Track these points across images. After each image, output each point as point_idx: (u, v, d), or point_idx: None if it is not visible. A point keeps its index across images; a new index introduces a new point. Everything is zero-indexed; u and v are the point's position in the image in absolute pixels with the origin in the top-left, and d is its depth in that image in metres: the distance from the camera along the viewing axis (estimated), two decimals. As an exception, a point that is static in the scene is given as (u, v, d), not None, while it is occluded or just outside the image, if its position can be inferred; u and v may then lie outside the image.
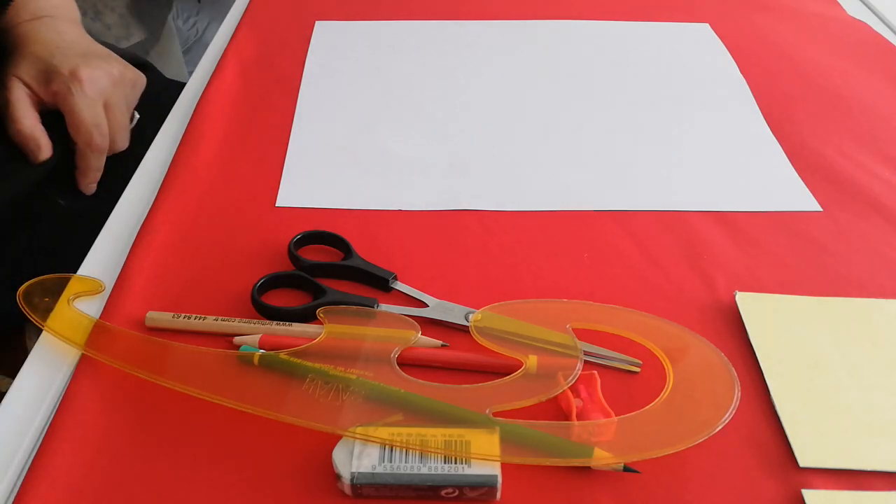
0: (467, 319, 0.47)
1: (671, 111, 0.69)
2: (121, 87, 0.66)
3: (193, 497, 0.38)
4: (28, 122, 0.62)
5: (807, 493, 0.38)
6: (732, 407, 0.40)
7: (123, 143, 0.67)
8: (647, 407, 0.41)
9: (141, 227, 0.54)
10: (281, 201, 0.57)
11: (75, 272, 0.51)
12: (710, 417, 0.40)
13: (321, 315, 0.46)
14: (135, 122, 0.69)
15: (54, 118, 0.63)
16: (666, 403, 0.41)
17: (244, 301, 0.48)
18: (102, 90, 0.63)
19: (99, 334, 0.45)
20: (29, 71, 0.63)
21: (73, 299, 0.48)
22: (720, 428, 0.39)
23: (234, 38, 0.78)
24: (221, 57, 0.75)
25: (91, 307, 0.48)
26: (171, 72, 1.15)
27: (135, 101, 0.69)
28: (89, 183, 0.66)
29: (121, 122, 0.66)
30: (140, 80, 0.68)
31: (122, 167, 0.64)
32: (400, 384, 0.41)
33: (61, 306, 0.47)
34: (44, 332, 0.46)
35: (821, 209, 0.58)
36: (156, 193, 0.57)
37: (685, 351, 0.44)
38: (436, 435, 0.38)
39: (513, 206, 0.57)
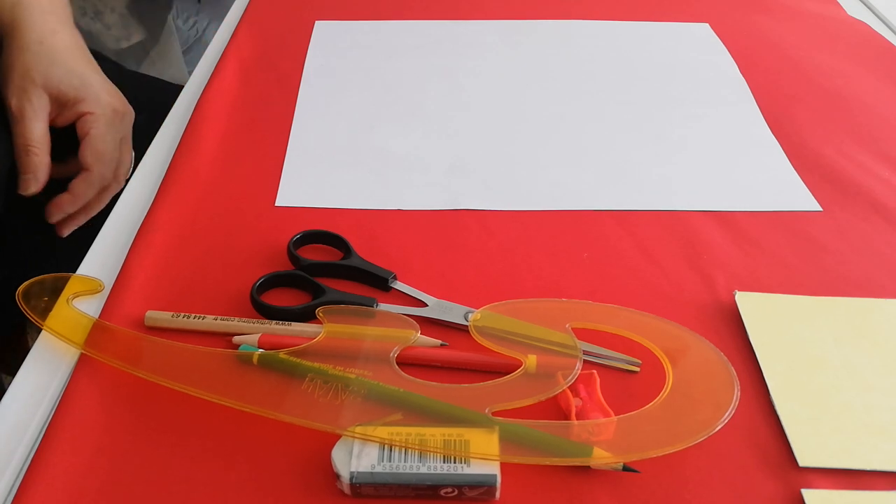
0: (466, 319, 0.47)
1: (671, 111, 0.69)
2: (130, 125, 0.65)
3: (192, 496, 0.38)
4: (40, 148, 0.59)
5: (806, 493, 0.38)
6: (732, 406, 0.40)
7: (121, 182, 0.65)
8: (647, 406, 0.41)
9: (141, 227, 0.54)
10: (280, 201, 0.57)
11: (74, 271, 0.51)
12: (709, 417, 0.40)
13: (320, 314, 0.46)
14: (132, 162, 0.67)
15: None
16: (665, 403, 0.41)
17: (243, 300, 0.48)
18: (126, 125, 0.62)
19: (98, 334, 0.45)
20: (58, 84, 0.60)
21: (73, 298, 0.48)
22: (720, 427, 0.39)
23: (234, 38, 0.78)
24: (221, 57, 0.75)
25: (90, 306, 0.48)
26: (171, 72, 1.15)
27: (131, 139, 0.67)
28: (75, 216, 0.63)
29: (129, 161, 0.65)
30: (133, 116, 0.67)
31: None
32: (399, 383, 0.41)
33: (60, 306, 0.47)
34: (43, 332, 0.46)
35: (821, 209, 0.57)
36: (156, 193, 0.57)
37: (685, 351, 0.44)
38: (435, 434, 0.38)
39: (513, 206, 0.57)
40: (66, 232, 0.64)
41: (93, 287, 0.49)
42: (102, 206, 0.64)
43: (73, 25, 0.66)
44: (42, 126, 0.59)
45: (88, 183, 0.61)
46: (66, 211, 0.61)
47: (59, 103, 0.60)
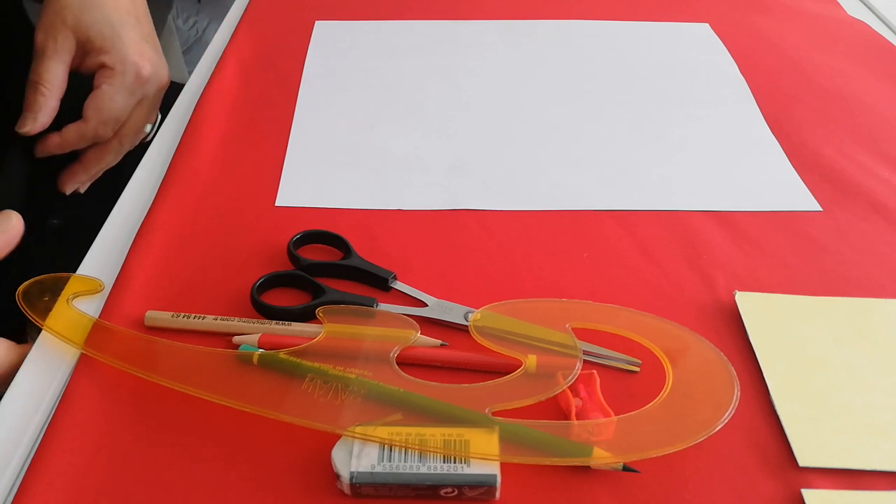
0: (466, 319, 0.47)
1: (671, 111, 0.69)
2: (160, 92, 0.63)
3: (192, 496, 0.38)
4: (49, 89, 0.56)
5: (806, 493, 0.38)
6: (732, 406, 0.40)
7: (131, 144, 0.63)
8: (647, 406, 0.41)
9: (140, 227, 0.54)
10: (280, 201, 0.57)
11: (74, 271, 0.51)
12: (709, 417, 0.40)
13: (320, 314, 0.46)
14: (157, 124, 0.65)
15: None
16: (665, 403, 0.41)
17: (243, 300, 0.48)
18: (149, 90, 0.60)
19: (98, 333, 0.45)
20: (88, 29, 0.57)
21: (73, 298, 0.48)
22: (720, 427, 0.39)
23: (234, 37, 0.78)
24: (221, 57, 0.75)
25: (90, 306, 0.48)
26: (171, 71, 1.15)
27: (158, 104, 0.65)
28: (81, 175, 0.61)
29: (141, 124, 0.62)
30: (167, 82, 0.65)
31: (121, 167, 0.64)
32: (399, 383, 0.41)
33: (60, 305, 0.47)
34: (43, 332, 0.46)
35: (821, 209, 0.57)
36: (156, 193, 0.57)
37: (685, 351, 0.44)
38: (435, 434, 0.38)
39: (513, 206, 0.57)
40: (68, 188, 0.61)
41: (93, 287, 0.49)
42: (102, 165, 0.62)
43: None
44: (59, 67, 0.57)
45: (80, 133, 0.59)
46: (50, 150, 0.59)
47: (85, 50, 0.58)
